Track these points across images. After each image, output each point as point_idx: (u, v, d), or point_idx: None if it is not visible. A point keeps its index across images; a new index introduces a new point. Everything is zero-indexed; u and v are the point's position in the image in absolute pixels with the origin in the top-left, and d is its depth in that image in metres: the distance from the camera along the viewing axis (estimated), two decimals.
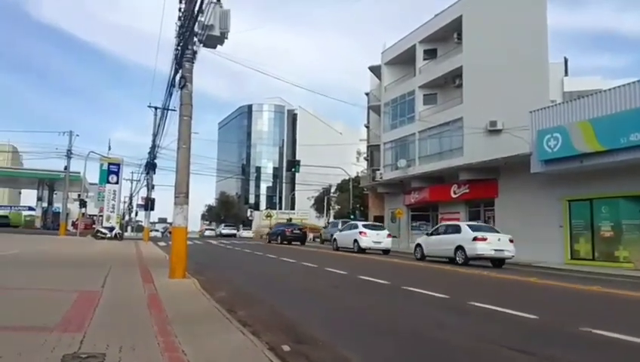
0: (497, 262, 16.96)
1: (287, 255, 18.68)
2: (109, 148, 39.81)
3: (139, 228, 59.41)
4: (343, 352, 4.34)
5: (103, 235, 29.64)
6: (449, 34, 29.65)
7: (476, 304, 7.22)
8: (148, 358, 3.61)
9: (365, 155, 44.23)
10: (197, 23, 9.10)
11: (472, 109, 26.86)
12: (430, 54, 32.00)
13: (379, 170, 35.41)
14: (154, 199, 33.29)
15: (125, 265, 11.58)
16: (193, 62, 9.61)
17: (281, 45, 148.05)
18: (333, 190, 61.62)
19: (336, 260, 16.94)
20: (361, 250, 22.48)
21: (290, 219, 58.13)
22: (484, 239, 16.56)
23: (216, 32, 9.16)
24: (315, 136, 79.56)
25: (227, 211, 77.46)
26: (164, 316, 5.35)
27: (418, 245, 19.58)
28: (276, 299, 7.60)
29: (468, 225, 18.25)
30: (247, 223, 74.75)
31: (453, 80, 29.29)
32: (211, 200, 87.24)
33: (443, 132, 29.30)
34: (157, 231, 71.93)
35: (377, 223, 27.97)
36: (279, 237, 33.34)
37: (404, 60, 33.94)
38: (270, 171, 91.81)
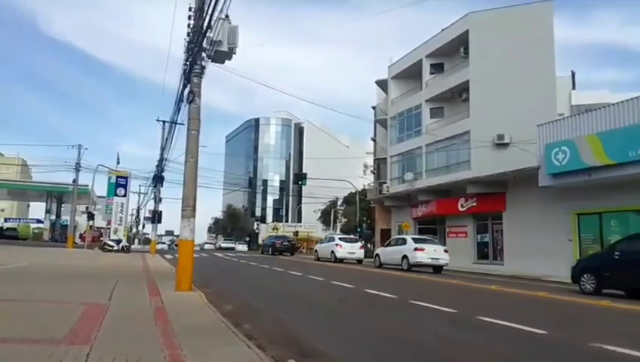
0: (436, 269, 20.23)
1: (279, 265, 20.06)
2: (118, 162, 39.92)
3: (146, 241, 59.58)
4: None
5: (110, 248, 29.76)
6: (455, 48, 29.80)
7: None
8: None
9: (372, 168, 44.22)
10: (205, 39, 9.22)
11: (479, 123, 26.87)
12: (437, 68, 32.15)
13: (385, 183, 35.38)
14: (161, 212, 33.42)
15: (132, 278, 11.60)
16: (201, 77, 9.72)
17: (288, 60, 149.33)
18: (339, 203, 61.54)
19: (315, 269, 19.06)
20: (338, 260, 25.31)
21: (297, 233, 58.10)
22: (423, 249, 19.89)
23: (225, 48, 9.27)
24: (322, 149, 79.70)
25: (234, 224, 77.48)
26: (170, 329, 5.35)
27: (377, 255, 23.28)
28: (274, 306, 7.57)
29: (412, 238, 21.54)
30: (254, 236, 74.70)
31: (459, 94, 29.36)
32: (218, 213, 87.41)
33: (450, 145, 29.29)
34: (164, 243, 72.13)
35: (352, 236, 31.67)
36: (270, 249, 37.03)
37: (410, 74, 34.11)
38: (277, 184, 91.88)
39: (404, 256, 20.20)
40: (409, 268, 19.88)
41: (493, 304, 10.22)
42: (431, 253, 19.93)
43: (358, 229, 42.16)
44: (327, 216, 62.61)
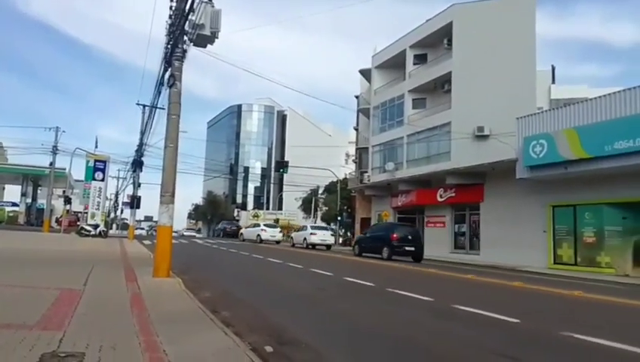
0: (325, 248, 28.54)
1: (259, 253, 19.90)
2: (96, 146, 39.11)
3: (124, 226, 58.88)
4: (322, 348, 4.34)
5: (87, 233, 29.27)
6: (439, 40, 29.88)
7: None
8: (128, 358, 3.58)
9: (354, 158, 44.34)
10: (187, 22, 9.06)
11: (460, 114, 27.09)
12: (420, 59, 32.22)
13: (367, 172, 35.52)
14: (140, 197, 32.98)
15: (109, 264, 11.46)
16: (183, 61, 9.56)
17: (272, 46, 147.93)
18: (321, 191, 61.61)
19: (290, 255, 20.19)
20: (310, 246, 28.98)
21: (278, 220, 58.09)
22: (315, 234, 29.05)
23: (207, 32, 9.12)
24: (305, 137, 79.47)
25: (214, 211, 77.03)
26: (147, 315, 5.30)
27: (291, 237, 31.22)
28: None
29: (311, 226, 31.60)
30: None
31: (442, 85, 29.52)
32: (198, 200, 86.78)
33: (431, 136, 29.49)
34: (142, 229, 71.41)
35: (324, 226, 37.46)
36: (221, 233, 48.09)
37: (394, 64, 34.12)
38: (258, 171, 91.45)
39: (305, 238, 29.39)
40: (306, 246, 28.68)
41: (469, 293, 10.40)
42: (321, 236, 29.09)
43: (339, 218, 42.35)
44: (308, 205, 62.65)
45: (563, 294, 10.33)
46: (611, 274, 16.93)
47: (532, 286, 11.79)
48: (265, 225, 35.57)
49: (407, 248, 20.66)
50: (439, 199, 27.32)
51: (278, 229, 34.79)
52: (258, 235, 32.99)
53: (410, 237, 21.08)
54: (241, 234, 37.33)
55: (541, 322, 6.72)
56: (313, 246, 28.69)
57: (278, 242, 32.97)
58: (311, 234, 29.31)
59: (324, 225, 37.54)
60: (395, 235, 20.88)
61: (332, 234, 31.42)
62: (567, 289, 11.03)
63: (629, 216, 17.86)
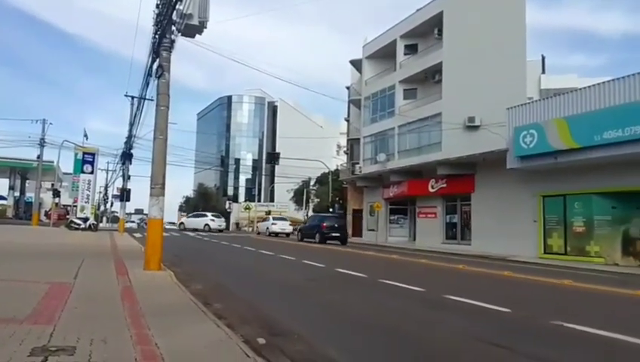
0: (285, 236, 33.59)
1: (251, 245, 19.68)
2: (86, 138, 38.58)
3: (114, 219, 58.47)
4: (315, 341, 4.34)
5: (77, 226, 29.03)
6: (430, 29, 29.82)
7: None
8: (119, 351, 3.55)
9: (345, 149, 44.35)
10: (175, 12, 8.94)
11: (451, 105, 27.12)
12: (411, 49, 32.16)
13: (358, 163, 35.54)
14: (130, 190, 32.74)
15: (99, 257, 11.38)
16: (171, 52, 9.44)
17: (262, 37, 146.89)
18: (312, 183, 61.61)
19: (251, 241, 23.47)
20: (272, 234, 34.93)
21: (269, 212, 58.08)
22: (276, 224, 35.28)
23: (195, 21, 9.02)
24: (296, 128, 79.27)
25: (205, 203, 76.68)
26: (138, 308, 5.27)
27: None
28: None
29: (272, 218, 38.01)
30: (226, 215, 74.21)
31: (433, 75, 29.51)
32: (189, 192, 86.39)
33: (422, 127, 29.53)
34: (133, 222, 70.95)
35: (283, 216, 41.37)
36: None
37: (385, 55, 34.03)
38: (249, 163, 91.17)
39: (267, 227, 35.65)
40: (269, 235, 34.47)
41: (460, 283, 10.47)
42: (280, 226, 35.18)
43: (330, 209, 42.40)
44: (299, 196, 62.64)
45: (553, 283, 10.44)
46: (601, 263, 17.12)
47: (522, 275, 11.90)
48: (274, 218, 38.34)
49: (333, 234, 25.78)
50: (430, 190, 27.42)
51: (288, 222, 37.04)
52: (267, 228, 36.32)
53: (336, 226, 26.37)
54: (257, 227, 39.88)
55: (531, 311, 6.78)
56: (276, 234, 34.99)
57: (288, 234, 35.25)
58: (272, 224, 35.92)
59: (283, 216, 41.94)
60: (324, 224, 26.19)
61: (290, 224, 36.89)
62: (557, 279, 11.14)
63: (618, 206, 18.04)
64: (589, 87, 18.02)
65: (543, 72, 40.24)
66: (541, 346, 4.66)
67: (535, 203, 20.55)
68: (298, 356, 3.95)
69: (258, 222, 46.64)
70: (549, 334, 5.26)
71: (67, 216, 39.79)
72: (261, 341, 4.34)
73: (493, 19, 27.39)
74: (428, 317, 6.15)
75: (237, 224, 72.38)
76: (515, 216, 21.17)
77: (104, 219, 59.46)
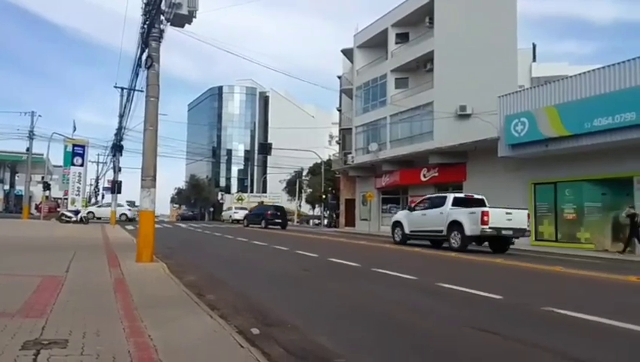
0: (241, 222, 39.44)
1: (244, 236, 19.01)
2: (75, 129, 38.18)
3: None
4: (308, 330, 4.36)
5: (68, 219, 28.85)
6: (421, 18, 29.72)
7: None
8: (112, 344, 3.54)
9: (337, 139, 44.29)
10: (164, 1, 8.82)
11: (443, 94, 27.14)
12: (402, 38, 32.07)
13: (350, 153, 35.55)
14: (121, 182, 32.51)
15: (91, 249, 11.32)
16: (160, 42, 9.34)
17: (252, 26, 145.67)
18: (305, 173, 61.57)
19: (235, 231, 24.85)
20: (234, 221, 42.44)
21: (262, 203, 58.06)
22: (237, 213, 43.68)
23: (184, 11, 8.91)
24: (287, 118, 79.07)
25: (197, 194, 76.48)
26: (131, 301, 5.25)
27: (246, 217, 36.52)
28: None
29: (235, 207, 49.82)
30: (219, 207, 74.12)
31: (424, 64, 29.47)
32: (181, 184, 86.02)
33: (414, 116, 29.54)
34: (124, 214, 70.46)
35: (243, 206, 49.56)
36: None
37: (376, 44, 33.91)
38: (241, 154, 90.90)
39: (230, 215, 46.32)
40: (232, 222, 42.15)
41: (452, 271, 10.55)
42: (241, 214, 41.56)
43: (323, 198, 42.49)
44: (292, 187, 62.62)
45: (544, 270, 10.54)
46: (591, 249, 17.33)
47: (514, 262, 12.00)
48: (236, 208, 48.13)
49: (276, 220, 32.40)
50: (423, 179, 27.51)
51: (245, 211, 42.35)
52: (230, 216, 45.89)
53: (278, 213, 33.28)
54: (222, 215, 50.92)
55: (523, 298, 6.85)
56: (237, 221, 41.83)
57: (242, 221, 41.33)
58: (234, 212, 45.76)
59: (243, 206, 49.62)
60: (269, 213, 33.16)
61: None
62: (548, 265, 11.26)
63: (608, 193, 18.23)
64: (579, 74, 18.09)
65: (534, 60, 40.35)
66: (532, 332, 4.71)
67: (526, 190, 20.70)
68: (292, 345, 3.96)
69: (223, 211, 56.54)
70: (540, 320, 5.31)
71: (58, 209, 39.48)
72: (255, 331, 4.34)
73: (484, 7, 27.37)
74: (421, 304, 6.19)
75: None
76: (506, 204, 21.13)
77: None
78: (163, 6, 8.85)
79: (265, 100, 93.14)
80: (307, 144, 51.88)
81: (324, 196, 43.86)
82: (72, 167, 33.55)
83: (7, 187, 52.95)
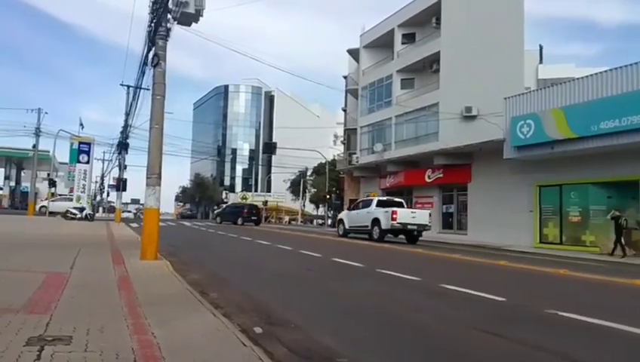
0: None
1: (247, 235, 19.03)
2: (82, 127, 38.31)
3: (111, 209, 58.40)
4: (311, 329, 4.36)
5: (73, 216, 28.97)
6: (428, 18, 29.64)
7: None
8: (116, 341, 3.55)
9: (342, 139, 44.25)
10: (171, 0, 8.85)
11: (448, 95, 27.06)
12: (408, 38, 32.00)
13: (355, 153, 35.51)
14: (126, 180, 32.65)
15: (95, 247, 11.37)
16: (167, 40, 9.36)
17: (259, 26, 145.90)
18: (309, 173, 61.60)
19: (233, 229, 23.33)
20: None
21: (266, 202, 58.16)
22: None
23: (191, 10, 8.94)
24: (292, 118, 79.14)
25: (202, 193, 76.71)
26: (135, 298, 5.27)
27: (219, 214, 39.67)
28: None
29: (226, 206, 47.15)
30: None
31: (430, 65, 29.39)
32: (186, 182, 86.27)
33: (419, 117, 29.48)
34: (129, 212, 70.89)
35: (222, 204, 55.09)
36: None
37: (382, 44, 33.86)
38: (246, 153, 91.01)
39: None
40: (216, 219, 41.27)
41: (456, 272, 10.52)
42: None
43: (327, 197, 42.50)
44: (296, 186, 62.71)
45: (548, 272, 10.49)
46: (595, 252, 17.23)
47: (518, 265, 11.96)
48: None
49: (252, 218, 35.98)
50: (427, 180, 27.46)
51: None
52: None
53: (253, 211, 37.22)
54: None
55: (526, 300, 6.82)
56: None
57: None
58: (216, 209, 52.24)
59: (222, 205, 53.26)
60: (245, 211, 36.88)
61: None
62: (552, 268, 11.21)
63: (613, 196, 18.12)
64: (586, 77, 18.01)
65: (541, 61, 40.20)
66: (535, 334, 4.69)
67: (531, 193, 20.62)
68: (295, 345, 3.97)
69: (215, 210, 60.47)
70: (543, 322, 5.29)
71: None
72: (258, 330, 4.35)
73: (492, 8, 27.27)
74: (424, 306, 6.18)
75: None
76: (511, 206, 21.24)
77: (100, 208, 59.34)
78: (170, 4, 8.88)
79: (270, 100, 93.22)
80: (312, 144, 51.90)
81: (328, 196, 43.86)
82: (77, 164, 33.71)
83: (13, 183, 53.28)
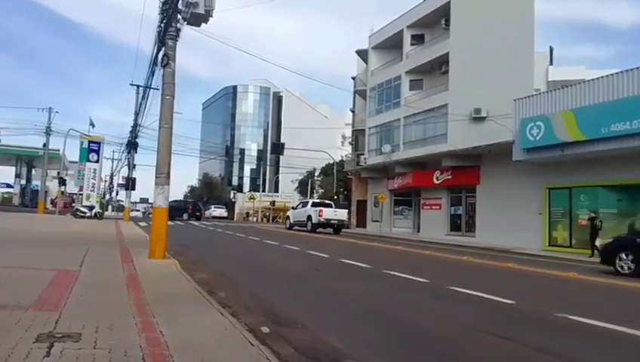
0: (222, 218, 49.79)
1: (255, 234, 19.01)
2: (93, 126, 38.45)
3: (119, 208, 58.81)
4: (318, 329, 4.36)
5: (83, 214, 29.21)
6: (437, 19, 29.53)
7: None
8: (124, 338, 3.58)
9: (350, 140, 44.21)
10: (181, 0, 8.89)
11: (457, 96, 26.93)
12: (417, 39, 31.89)
13: (363, 154, 35.45)
14: (135, 179, 32.85)
15: (104, 245, 11.45)
16: (176, 40, 9.41)
17: (267, 26, 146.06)
18: (317, 173, 61.58)
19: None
20: (212, 217, 48.23)
21: (274, 203, 58.27)
22: (215, 211, 52.49)
23: (201, 10, 8.98)
24: (301, 119, 79.07)
25: (210, 193, 76.92)
26: (143, 296, 5.31)
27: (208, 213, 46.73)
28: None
29: (214, 206, 55.66)
30: (231, 205, 74.47)
31: (439, 66, 29.27)
32: (194, 182, 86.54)
33: (428, 118, 29.36)
34: (138, 211, 71.31)
35: (221, 206, 57.77)
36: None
37: (391, 45, 33.78)
38: (254, 153, 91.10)
39: (210, 213, 51.30)
40: (212, 218, 46.59)
41: (465, 274, 10.46)
42: (219, 212, 52.09)
43: (334, 198, 42.46)
44: (304, 187, 62.67)
45: (558, 276, 10.42)
46: None
47: (527, 267, 11.88)
48: (214, 206, 56.26)
49: (196, 213, 38.29)
50: (435, 181, 27.34)
51: (224, 209, 56.50)
52: (211, 213, 52.98)
53: (197, 208, 39.86)
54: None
55: (535, 303, 6.77)
56: (214, 217, 49.62)
57: (225, 218, 51.47)
58: (212, 211, 52.88)
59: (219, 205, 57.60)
60: (190, 207, 38.94)
61: (225, 211, 54.85)
62: (561, 271, 11.12)
63: (624, 199, 17.93)
64: (596, 79, 17.84)
65: (551, 63, 39.89)
66: (545, 338, 4.66)
67: (541, 195, 20.46)
68: (302, 344, 3.97)
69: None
70: (552, 326, 5.26)
71: (73, 205, 39.98)
72: (265, 329, 4.36)
73: (501, 9, 27.11)
74: (431, 307, 6.15)
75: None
76: (520, 208, 21.07)
77: (109, 207, 59.74)
78: (180, 5, 8.92)
79: (278, 100, 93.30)
80: (320, 144, 51.86)
81: (335, 197, 43.79)
82: (87, 163, 33.99)
83: (23, 182, 53.78)
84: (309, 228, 26.06)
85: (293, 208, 30.05)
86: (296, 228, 27.85)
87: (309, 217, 26.22)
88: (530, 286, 9.13)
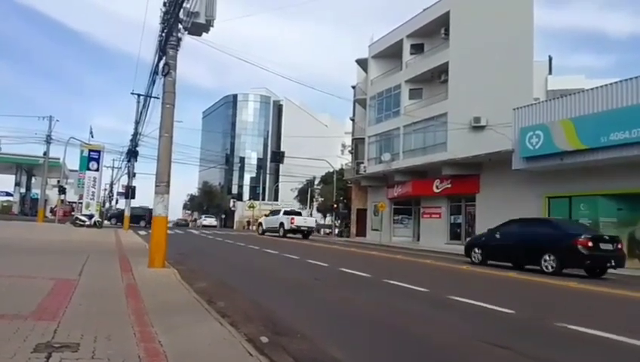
0: (212, 227, 53.34)
1: (255, 243, 18.96)
2: (92, 135, 38.63)
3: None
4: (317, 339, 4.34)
5: (82, 223, 29.17)
6: (436, 29, 29.73)
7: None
8: (123, 348, 3.56)
9: (350, 148, 44.31)
10: (182, 10, 8.95)
11: (457, 105, 27.04)
12: (417, 49, 32.08)
13: (363, 163, 35.51)
14: (135, 187, 32.81)
15: (104, 254, 11.42)
16: (177, 50, 9.46)
17: (268, 35, 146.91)
18: (317, 182, 61.62)
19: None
20: (203, 226, 51.67)
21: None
22: (205, 220, 58.88)
23: (202, 20, 9.03)
24: (301, 127, 79.28)
25: (210, 201, 76.91)
26: (142, 306, 5.28)
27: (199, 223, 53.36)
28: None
29: (204, 216, 61.75)
30: (230, 214, 74.49)
31: (439, 75, 29.42)
32: (194, 190, 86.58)
33: (427, 127, 29.46)
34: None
35: (211, 215, 61.29)
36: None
37: (391, 54, 33.97)
38: (254, 162, 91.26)
39: (200, 222, 59.67)
40: (203, 226, 50.80)
41: (465, 284, 10.44)
42: (209, 221, 57.69)
43: (334, 206, 42.46)
44: (304, 195, 62.71)
45: (558, 285, 10.39)
46: None
47: (526, 277, 11.84)
48: (205, 216, 62.16)
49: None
50: (435, 190, 27.36)
51: (214, 218, 61.10)
52: (201, 222, 57.55)
53: (148, 212, 34.76)
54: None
55: (535, 313, 6.75)
56: (205, 226, 53.81)
57: (215, 226, 56.00)
58: (203, 220, 58.59)
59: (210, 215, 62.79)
60: (147, 215, 34.98)
61: (215, 220, 58.55)
62: (561, 281, 11.09)
63: (624, 208, 17.94)
64: (596, 88, 17.92)
65: (550, 72, 40.08)
66: (545, 348, 4.63)
67: (540, 204, 20.46)
68: (301, 355, 3.95)
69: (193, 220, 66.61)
70: (553, 336, 5.23)
71: (72, 213, 39.96)
72: (264, 339, 4.33)
73: (501, 18, 27.29)
74: (431, 317, 6.13)
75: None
76: (520, 217, 21.05)
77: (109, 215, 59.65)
78: (181, 15, 8.98)
79: (278, 109, 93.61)
80: (320, 153, 51.97)
81: (335, 205, 43.81)
82: (87, 171, 34.04)
83: (23, 190, 53.74)
84: (280, 233, 28.39)
85: (265, 216, 32.61)
86: (267, 234, 30.09)
87: (282, 224, 28.52)
88: (530, 295, 9.10)
